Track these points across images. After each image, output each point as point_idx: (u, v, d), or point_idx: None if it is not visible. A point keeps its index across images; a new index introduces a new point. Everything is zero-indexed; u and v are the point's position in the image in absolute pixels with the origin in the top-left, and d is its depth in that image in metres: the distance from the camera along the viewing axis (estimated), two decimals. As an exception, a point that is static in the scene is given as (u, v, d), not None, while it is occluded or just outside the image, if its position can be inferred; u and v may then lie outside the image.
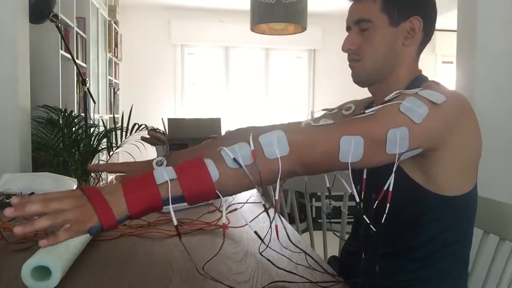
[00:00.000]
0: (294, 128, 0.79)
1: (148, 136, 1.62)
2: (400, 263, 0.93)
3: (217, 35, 5.63)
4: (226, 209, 1.23)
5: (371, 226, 0.77)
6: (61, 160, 2.36)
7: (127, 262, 0.87)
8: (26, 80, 2.06)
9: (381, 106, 0.81)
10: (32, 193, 1.41)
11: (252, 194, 1.48)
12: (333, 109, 1.18)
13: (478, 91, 1.78)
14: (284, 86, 5.94)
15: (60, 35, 2.70)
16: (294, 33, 2.58)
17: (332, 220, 3.92)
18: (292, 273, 0.82)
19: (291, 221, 1.65)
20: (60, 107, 2.82)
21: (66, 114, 2.69)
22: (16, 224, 0.63)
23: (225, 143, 0.92)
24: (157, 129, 1.81)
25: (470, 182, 0.91)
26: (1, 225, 1.01)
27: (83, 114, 2.81)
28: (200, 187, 0.70)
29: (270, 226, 0.80)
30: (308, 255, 0.87)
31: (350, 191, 0.81)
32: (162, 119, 1.70)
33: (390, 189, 0.77)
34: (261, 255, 0.89)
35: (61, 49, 2.97)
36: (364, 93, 1.07)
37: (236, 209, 1.24)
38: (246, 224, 1.12)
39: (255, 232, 0.81)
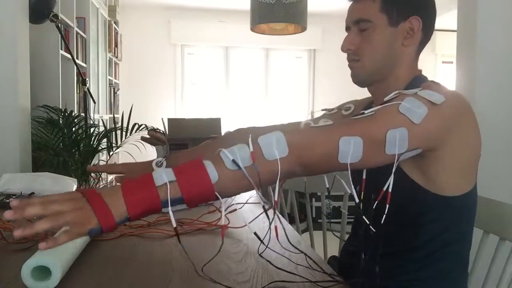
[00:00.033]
0: (293, 129, 0.80)
1: (148, 136, 1.62)
2: (400, 263, 0.93)
3: (217, 35, 5.63)
4: (225, 210, 1.23)
5: (370, 226, 0.77)
6: (61, 160, 2.36)
7: (127, 262, 0.87)
8: (26, 80, 2.06)
9: (380, 106, 0.81)
10: (32, 193, 1.41)
11: (252, 195, 1.48)
12: (332, 109, 1.18)
13: (478, 91, 1.78)
14: (284, 86, 5.94)
15: (60, 35, 2.70)
16: (294, 33, 2.58)
17: (332, 220, 3.92)
18: (292, 273, 0.82)
19: (291, 221, 1.65)
20: (60, 107, 2.82)
21: (66, 114, 2.69)
22: (15, 226, 0.63)
23: (225, 143, 0.92)
24: (157, 129, 1.81)
25: (469, 182, 0.91)
26: (1, 225, 1.01)
27: (83, 114, 2.81)
28: (199, 189, 0.70)
29: (270, 228, 0.80)
30: (308, 256, 0.87)
31: (349, 192, 0.81)
32: (162, 119, 1.70)
33: (390, 189, 0.77)
34: (261, 256, 0.89)
35: (61, 49, 2.97)
36: (364, 93, 1.07)
37: (235, 210, 1.24)
38: (246, 225, 1.13)
39: (255, 233, 0.81)
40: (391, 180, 0.77)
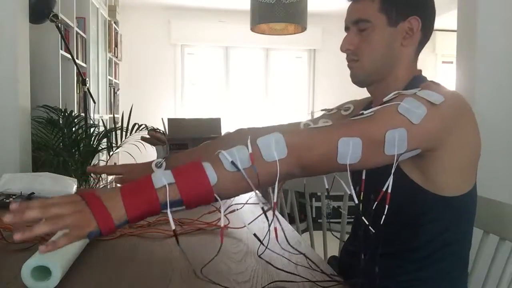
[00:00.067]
0: (292, 130, 0.80)
1: (148, 136, 1.62)
2: (400, 263, 0.93)
3: (217, 35, 5.63)
4: (225, 211, 1.23)
5: (370, 227, 0.77)
6: (61, 160, 2.36)
7: (127, 262, 0.87)
8: (26, 80, 2.06)
9: (379, 107, 0.81)
10: (32, 193, 1.41)
11: (251, 195, 1.48)
12: (332, 109, 1.18)
13: (478, 91, 1.78)
14: (284, 86, 5.94)
15: (60, 35, 2.70)
16: (294, 33, 2.58)
17: (332, 220, 3.92)
18: (292, 273, 0.82)
19: (291, 221, 1.65)
20: (60, 107, 2.82)
21: (66, 114, 2.69)
22: (15, 229, 0.63)
23: (224, 144, 0.92)
24: (157, 129, 1.81)
25: (469, 182, 0.91)
26: (1, 225, 1.01)
27: (83, 114, 2.81)
28: (198, 191, 0.70)
29: (269, 229, 0.80)
30: (307, 257, 0.87)
31: (349, 192, 0.81)
32: (162, 119, 1.70)
33: (389, 190, 0.77)
34: (260, 257, 0.89)
35: (61, 49, 2.97)
36: (364, 93, 1.07)
37: (234, 210, 1.24)
38: (247, 225, 1.13)
39: (254, 235, 0.81)
40: (390, 180, 0.77)
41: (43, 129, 2.55)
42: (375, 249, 0.86)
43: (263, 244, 0.85)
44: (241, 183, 0.73)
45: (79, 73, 2.75)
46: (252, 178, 0.72)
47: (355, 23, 0.97)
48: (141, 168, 1.22)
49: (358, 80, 1.00)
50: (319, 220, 3.66)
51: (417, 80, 0.96)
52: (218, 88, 5.80)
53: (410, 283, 0.92)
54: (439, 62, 6.02)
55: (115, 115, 3.77)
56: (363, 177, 0.82)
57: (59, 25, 2.55)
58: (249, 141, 0.74)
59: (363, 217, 0.78)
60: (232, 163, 0.72)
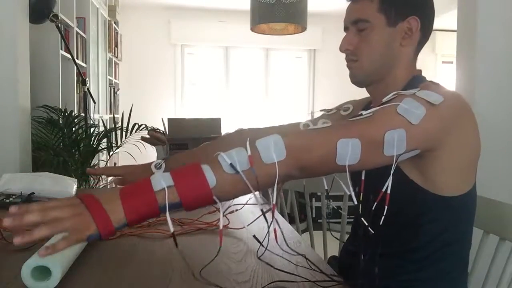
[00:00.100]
0: (291, 132, 0.79)
1: (148, 136, 1.62)
2: (400, 263, 0.93)
3: (217, 35, 5.63)
4: (224, 212, 1.23)
5: (369, 228, 0.77)
6: (61, 160, 2.36)
7: (127, 262, 0.87)
8: (26, 80, 2.06)
9: (378, 107, 0.81)
10: (32, 193, 1.40)
11: (252, 196, 1.48)
12: (331, 109, 1.18)
13: (478, 91, 1.78)
14: (284, 86, 5.94)
15: (60, 35, 2.70)
16: (294, 33, 2.58)
17: (332, 220, 3.92)
18: (292, 274, 0.82)
19: (291, 221, 1.65)
20: (60, 107, 2.82)
21: (66, 114, 2.69)
22: (15, 233, 0.63)
23: (224, 145, 0.92)
24: (157, 129, 1.81)
25: (468, 182, 0.91)
26: (1, 225, 1.01)
27: (83, 114, 2.81)
28: (197, 194, 0.71)
29: (268, 231, 0.80)
30: (307, 259, 0.87)
31: (348, 193, 0.81)
32: (162, 119, 1.70)
33: (388, 191, 0.77)
34: (260, 259, 0.89)
35: (61, 49, 2.97)
36: (364, 93, 1.07)
37: (233, 211, 1.24)
38: (246, 226, 1.13)
39: (254, 236, 0.81)
40: (389, 181, 0.77)
41: (43, 129, 2.55)
42: (375, 249, 0.86)
43: (262, 246, 0.85)
44: (240, 185, 0.73)
45: (79, 73, 2.75)
46: (251, 180, 0.72)
47: (354, 23, 0.97)
48: (141, 169, 1.22)
49: (357, 80, 1.00)
50: (319, 220, 3.66)
51: (416, 80, 0.96)
52: (218, 88, 5.80)
53: (410, 283, 0.92)
54: (439, 62, 6.02)
55: (115, 115, 3.77)
56: (363, 177, 0.82)
57: (59, 25, 2.55)
58: (248, 143, 0.74)
59: (362, 218, 0.79)
60: (231, 165, 0.72)
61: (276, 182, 0.74)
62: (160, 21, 5.54)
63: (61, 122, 2.64)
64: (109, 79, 4.69)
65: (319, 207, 3.90)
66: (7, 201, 1.34)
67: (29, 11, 2.12)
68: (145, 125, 2.90)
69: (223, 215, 1.21)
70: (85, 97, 2.87)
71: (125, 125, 2.87)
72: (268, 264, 0.86)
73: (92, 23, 3.82)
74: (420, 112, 0.78)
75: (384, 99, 0.84)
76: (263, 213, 0.76)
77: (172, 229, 0.71)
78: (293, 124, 1.20)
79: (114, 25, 4.77)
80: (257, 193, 0.75)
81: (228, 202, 1.34)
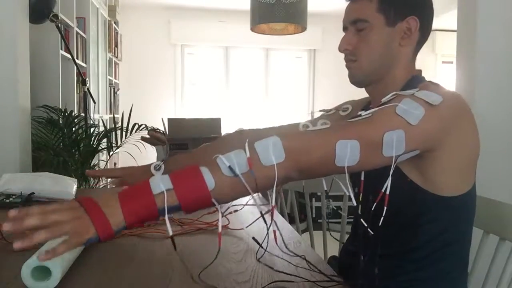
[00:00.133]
0: (290, 134, 0.79)
1: (148, 136, 1.62)
2: (400, 263, 0.93)
3: (217, 35, 5.63)
4: (224, 213, 1.23)
5: (369, 229, 0.77)
6: (61, 160, 2.36)
7: (127, 262, 0.87)
8: (26, 80, 2.06)
9: (377, 108, 0.81)
10: (32, 193, 1.40)
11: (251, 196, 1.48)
12: (330, 110, 1.18)
13: (478, 91, 1.78)
14: (284, 86, 5.93)
15: (60, 35, 2.70)
16: (294, 33, 2.58)
17: (332, 220, 3.92)
18: (292, 275, 0.82)
19: (291, 221, 1.65)
20: (60, 107, 2.82)
21: (66, 114, 2.69)
22: (15, 237, 0.63)
23: (223, 146, 0.92)
24: (157, 129, 1.81)
25: (468, 182, 0.91)
26: (1, 226, 1.01)
27: (83, 114, 2.81)
28: (196, 197, 0.71)
29: (267, 233, 0.81)
30: (307, 261, 0.87)
31: (348, 194, 0.81)
32: (162, 119, 1.70)
33: (387, 192, 0.77)
34: (259, 261, 0.89)
35: (61, 49, 2.97)
36: (364, 93, 1.07)
37: (232, 212, 1.24)
38: (245, 227, 1.12)
39: (253, 238, 0.81)
40: (388, 182, 0.77)
41: (43, 129, 2.55)
42: (375, 250, 0.86)
43: (262, 247, 0.85)
44: (239, 187, 0.73)
45: (79, 73, 2.75)
46: (250, 182, 0.73)
47: (353, 23, 0.97)
48: (140, 171, 1.22)
49: (356, 80, 1.00)
50: (319, 220, 3.66)
51: (415, 80, 0.95)
52: (218, 88, 5.80)
53: (410, 283, 0.92)
54: (439, 62, 6.02)
55: (115, 115, 3.77)
56: (362, 178, 0.82)
57: (59, 25, 2.55)
58: (247, 144, 0.74)
59: (361, 220, 0.79)
60: (230, 168, 0.72)
61: (275, 184, 0.74)
62: (160, 21, 5.54)
63: (61, 122, 2.64)
64: (109, 79, 4.69)
65: (319, 207, 3.90)
66: (7, 201, 1.34)
67: (29, 11, 2.12)
68: (145, 125, 2.90)
69: (223, 216, 1.21)
70: (85, 97, 2.87)
71: (125, 125, 2.87)
72: (268, 266, 0.86)
73: (92, 23, 3.82)
74: (419, 113, 0.78)
75: (383, 100, 0.83)
76: (262, 215, 0.76)
77: (171, 232, 0.71)
78: (293, 124, 1.20)
79: (114, 25, 4.77)
80: (256, 194, 0.75)
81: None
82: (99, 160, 3.41)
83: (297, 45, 5.74)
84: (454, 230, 0.92)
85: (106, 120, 4.32)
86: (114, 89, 4.91)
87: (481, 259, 1.10)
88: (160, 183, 0.70)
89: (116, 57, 5.02)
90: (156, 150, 1.65)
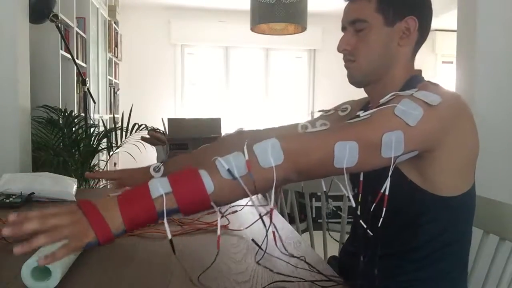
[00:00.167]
0: (289, 135, 0.79)
1: (148, 136, 1.63)
2: (400, 263, 0.93)
3: (217, 35, 5.63)
4: (224, 213, 1.23)
5: (368, 230, 0.77)
6: (61, 160, 2.36)
7: (127, 262, 0.87)
8: (26, 80, 2.06)
9: (375, 109, 0.81)
10: (32, 193, 1.41)
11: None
12: (329, 110, 1.18)
13: (478, 91, 1.78)
14: (284, 86, 5.93)
15: (60, 35, 2.70)
16: (294, 33, 2.58)
17: (332, 220, 3.92)
18: (292, 276, 0.82)
19: (291, 221, 1.65)
20: (60, 107, 2.82)
21: (66, 114, 2.69)
22: (14, 242, 0.64)
23: (223, 147, 0.92)
24: (157, 129, 1.81)
25: (467, 182, 0.91)
26: (1, 225, 1.01)
27: (83, 114, 2.81)
28: (195, 200, 0.71)
29: (266, 234, 0.81)
30: (307, 262, 0.87)
31: (347, 195, 0.81)
32: (162, 119, 1.70)
33: (387, 192, 0.77)
34: (258, 264, 0.88)
35: (61, 49, 2.97)
36: (364, 93, 1.07)
37: (231, 213, 1.24)
38: (244, 229, 1.12)
39: (253, 240, 0.80)
40: (387, 183, 0.77)
41: (43, 129, 2.55)
42: (374, 250, 0.86)
43: (261, 249, 0.85)
44: (237, 190, 0.73)
45: (79, 73, 2.75)
46: (249, 185, 0.73)
47: (352, 23, 0.97)
48: (140, 173, 1.22)
49: (355, 80, 1.00)
50: (319, 220, 3.66)
51: (414, 80, 0.95)
52: (218, 88, 5.80)
53: (409, 283, 0.92)
54: (439, 62, 6.02)
55: (115, 115, 3.77)
56: (361, 178, 0.82)
57: (59, 25, 2.55)
58: (245, 147, 0.74)
59: (361, 221, 0.78)
60: (229, 171, 0.72)
61: (273, 186, 0.74)
62: (160, 21, 5.54)
63: (61, 122, 2.64)
64: (109, 79, 4.69)
65: (319, 207, 3.90)
66: (7, 201, 1.34)
67: (29, 11, 2.12)
68: (145, 125, 2.90)
69: (223, 216, 1.21)
70: (85, 97, 2.87)
71: (125, 125, 2.87)
72: (267, 268, 0.85)
73: (92, 23, 3.82)
74: (417, 113, 0.78)
75: (382, 100, 0.83)
76: (261, 217, 0.77)
77: (170, 236, 0.71)
78: (293, 125, 1.20)
79: (114, 25, 4.77)
80: (255, 196, 0.75)
81: (228, 202, 1.34)
82: (99, 160, 3.41)
83: (297, 45, 5.74)
84: (453, 230, 0.91)
85: (106, 120, 4.32)
86: (114, 89, 4.91)
87: (481, 259, 1.10)
88: (159, 187, 0.70)
89: (116, 57, 5.02)
90: (156, 150, 1.65)
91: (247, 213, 1.28)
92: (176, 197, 0.70)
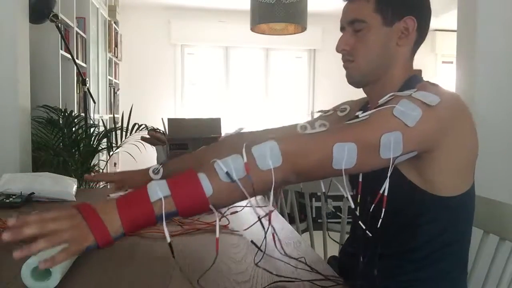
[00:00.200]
0: (287, 137, 0.79)
1: (148, 136, 1.63)
2: (399, 263, 0.93)
3: (217, 35, 5.63)
4: (224, 213, 1.23)
5: (367, 231, 0.77)
6: (61, 160, 2.36)
7: (127, 262, 0.87)
8: (26, 80, 2.06)
9: (374, 110, 0.81)
10: (32, 193, 1.41)
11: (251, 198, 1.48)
12: (328, 110, 1.18)
13: (478, 91, 1.78)
14: (284, 86, 5.93)
15: (60, 35, 2.70)
16: (294, 33, 2.58)
17: (332, 220, 3.92)
18: (292, 277, 0.82)
19: (291, 221, 1.65)
20: (60, 107, 2.82)
21: (66, 114, 2.69)
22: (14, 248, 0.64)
23: (223, 149, 0.92)
24: (157, 129, 1.81)
25: (466, 182, 0.91)
26: (1, 225, 1.01)
27: (83, 114, 2.81)
28: (194, 203, 0.71)
29: (265, 237, 0.81)
30: (306, 264, 0.87)
31: (346, 196, 0.82)
32: (162, 119, 1.70)
33: (386, 193, 0.77)
34: (257, 266, 0.88)
35: (61, 49, 2.97)
36: (363, 93, 1.07)
37: (231, 213, 1.24)
38: (243, 231, 1.12)
39: (252, 242, 0.80)
40: (386, 183, 0.77)
41: (43, 129, 2.55)
42: (374, 251, 0.86)
43: (261, 251, 0.85)
44: (236, 192, 0.73)
45: (79, 73, 2.75)
46: (248, 187, 0.73)
47: (351, 24, 0.97)
48: (140, 175, 1.22)
49: (353, 80, 1.00)
50: (319, 220, 3.66)
51: (413, 80, 0.95)
52: (218, 88, 5.80)
53: (409, 283, 0.92)
54: (439, 62, 6.02)
55: (115, 115, 3.77)
56: (360, 179, 0.82)
57: (59, 25, 2.55)
58: (244, 149, 0.74)
59: (360, 222, 0.78)
60: (227, 173, 0.72)
61: (272, 189, 0.74)
62: (160, 21, 5.54)
63: (61, 122, 2.64)
64: (109, 79, 4.69)
65: (319, 207, 3.90)
66: (7, 201, 1.34)
67: (29, 11, 2.12)
68: (145, 125, 2.90)
69: (223, 216, 1.21)
70: (85, 97, 2.87)
71: (125, 125, 2.87)
72: (267, 270, 0.85)
73: (92, 23, 3.82)
74: (416, 114, 0.78)
75: (381, 101, 0.83)
76: (259, 219, 0.77)
77: (169, 240, 0.71)
78: (293, 125, 1.20)
79: (114, 25, 4.77)
80: (253, 198, 0.75)
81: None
82: (99, 160, 3.41)
83: (297, 45, 5.74)
84: (453, 230, 0.91)
85: (106, 120, 4.32)
86: (114, 89, 4.91)
87: (481, 259, 1.10)
88: (158, 190, 0.70)
89: (116, 57, 5.02)
90: (156, 150, 1.65)
91: (247, 213, 1.28)
92: (175, 200, 0.70)
